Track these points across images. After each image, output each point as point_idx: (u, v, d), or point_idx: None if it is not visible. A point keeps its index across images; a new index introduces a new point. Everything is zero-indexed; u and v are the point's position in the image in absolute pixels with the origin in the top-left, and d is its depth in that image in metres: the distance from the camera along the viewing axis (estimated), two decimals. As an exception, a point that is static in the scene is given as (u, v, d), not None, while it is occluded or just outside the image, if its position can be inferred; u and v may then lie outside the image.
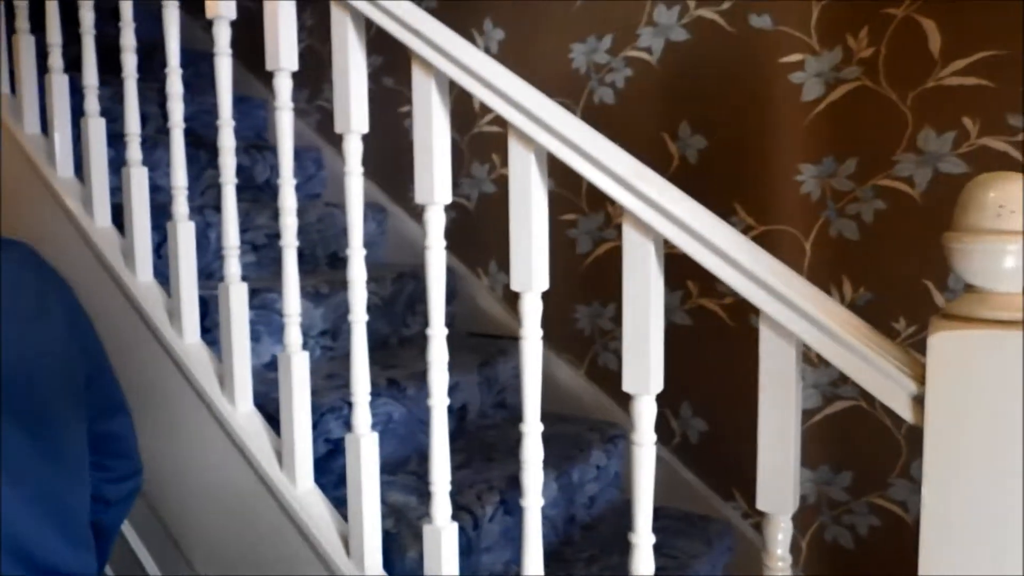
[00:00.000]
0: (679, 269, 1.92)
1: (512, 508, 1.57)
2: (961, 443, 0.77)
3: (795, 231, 1.81)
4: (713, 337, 1.91)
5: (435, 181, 1.10)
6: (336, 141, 2.48)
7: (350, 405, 1.43)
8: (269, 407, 1.45)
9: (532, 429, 1.07)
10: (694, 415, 1.94)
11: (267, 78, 2.62)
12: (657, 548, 1.72)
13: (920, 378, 0.80)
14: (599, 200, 2.02)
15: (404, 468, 1.64)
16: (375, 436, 1.25)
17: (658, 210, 0.92)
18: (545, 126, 0.98)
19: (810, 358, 1.81)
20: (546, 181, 1.04)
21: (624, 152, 0.96)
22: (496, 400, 1.94)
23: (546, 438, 1.85)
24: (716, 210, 1.95)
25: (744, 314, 1.88)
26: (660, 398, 1.96)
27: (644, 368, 0.96)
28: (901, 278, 1.72)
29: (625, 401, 1.99)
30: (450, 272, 2.19)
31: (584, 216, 2.04)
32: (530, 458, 1.08)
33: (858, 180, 1.73)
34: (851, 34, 1.72)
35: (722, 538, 1.82)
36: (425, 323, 2.14)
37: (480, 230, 2.20)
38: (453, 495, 1.54)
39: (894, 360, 0.81)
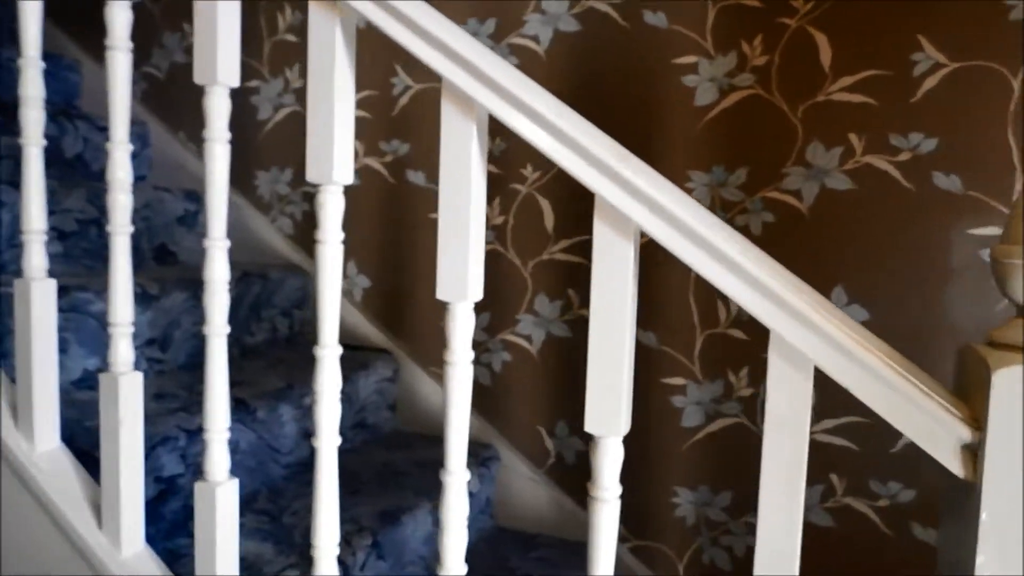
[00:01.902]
0: (559, 277, 1.72)
1: (387, 552, 1.29)
2: (1030, 502, 0.60)
3: (682, 241, 1.66)
4: (593, 350, 1.72)
5: (335, 154, 0.81)
6: (167, 115, 2.06)
7: (189, 434, 1.09)
8: (81, 440, 1.08)
9: (456, 479, 0.80)
10: (571, 434, 1.74)
11: (81, 37, 2.14)
12: (539, 583, 1.51)
13: (973, 422, 0.62)
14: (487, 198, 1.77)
15: (252, 506, 1.31)
16: (234, 484, 0.92)
17: (650, 205, 0.69)
18: (497, 87, 0.72)
19: (694, 374, 1.67)
20: (486, 159, 0.78)
21: (595, 127, 0.73)
22: (356, 420, 1.64)
23: (416, 464, 1.58)
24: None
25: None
26: (537, 416, 1.75)
27: (614, 402, 0.73)
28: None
29: (499, 420, 1.76)
30: (301, 274, 1.85)
31: (457, 216, 1.78)
32: (450, 520, 0.81)
33: (748, 191, 1.61)
34: (746, 40, 1.60)
35: (601, 565, 1.63)
36: (273, 330, 1.82)
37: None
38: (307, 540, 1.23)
39: (942, 400, 0.64)
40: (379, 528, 1.29)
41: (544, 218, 1.72)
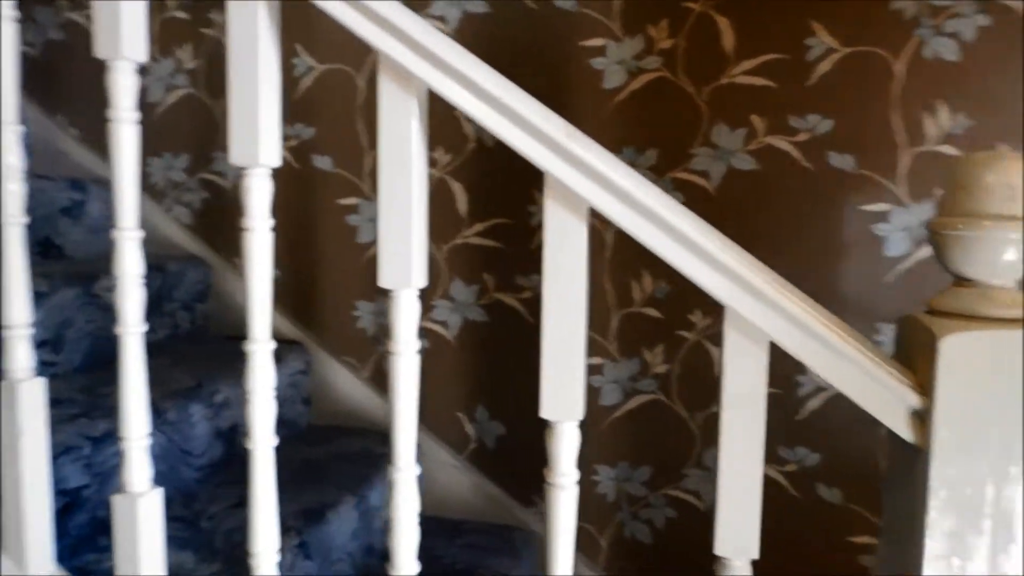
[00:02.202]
0: (474, 261, 1.69)
1: (313, 551, 1.23)
2: (976, 460, 0.62)
3: (594, 222, 1.67)
4: (511, 334, 1.71)
5: (261, 135, 0.74)
6: (43, 97, 1.88)
7: (94, 442, 1.00)
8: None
9: (405, 475, 0.76)
10: (491, 418, 1.72)
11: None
12: (469, 571, 1.49)
13: (920, 389, 0.64)
14: (384, 184, 1.71)
15: (167, 513, 1.22)
16: (158, 495, 0.84)
17: (603, 183, 0.67)
18: (440, 61, 0.68)
19: (611, 353, 1.68)
20: (427, 137, 0.74)
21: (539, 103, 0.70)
22: (269, 416, 1.56)
23: (336, 457, 1.52)
24: (515, 203, 1.75)
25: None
26: (456, 402, 1.72)
27: (570, 386, 0.71)
28: (696, 271, 1.65)
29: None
30: (201, 264, 1.74)
31: (367, 201, 1.72)
32: (400, 519, 0.77)
33: (658, 172, 1.62)
34: (652, 24, 1.61)
35: (527, 547, 1.63)
36: (175, 326, 1.69)
37: (239, 214, 1.78)
38: (238, 543, 1.16)
39: (891, 369, 0.65)
40: (304, 527, 1.23)
41: (457, 202, 1.68)
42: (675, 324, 1.65)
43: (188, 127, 1.80)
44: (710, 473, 1.67)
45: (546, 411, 0.71)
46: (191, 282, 1.69)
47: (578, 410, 0.71)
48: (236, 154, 0.75)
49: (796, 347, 0.66)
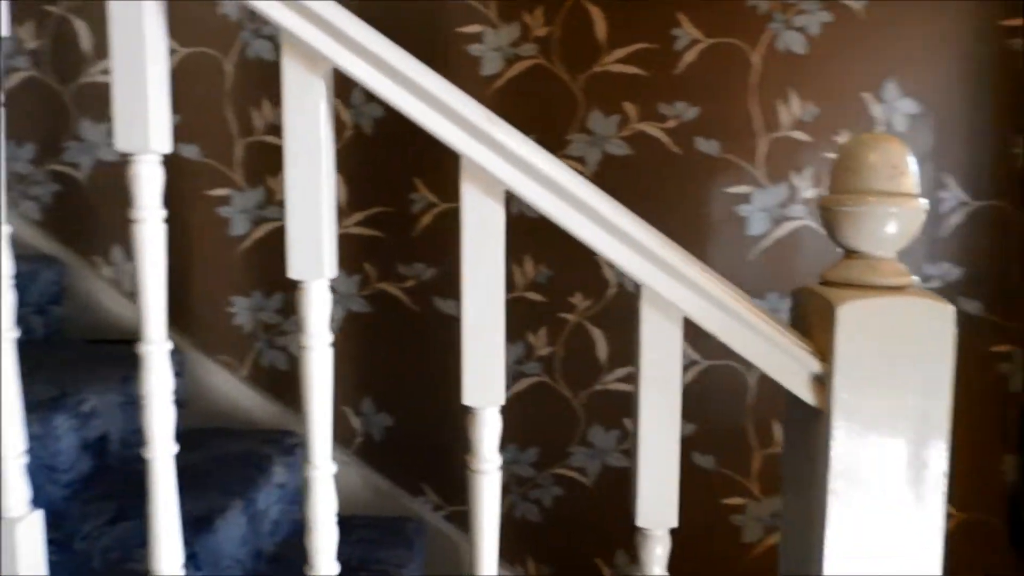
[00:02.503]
0: (354, 251, 1.64)
1: (203, 561, 1.16)
2: (872, 419, 0.67)
3: (477, 209, 1.66)
4: (395, 324, 1.67)
5: (151, 120, 0.68)
6: None
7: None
8: None
9: (322, 473, 0.73)
10: (378, 411, 1.68)
11: None
12: (363, 566, 1.45)
13: (820, 355, 0.68)
14: (257, 173, 1.62)
15: (32, 537, 1.10)
16: (38, 518, 0.76)
17: (523, 168, 0.66)
18: (353, 43, 0.65)
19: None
20: (332, 119, 0.71)
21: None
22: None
23: (217, 461, 1.44)
24: (396, 191, 1.71)
25: (427, 298, 1.68)
26: (340, 395, 1.66)
27: (492, 371, 0.70)
28: (578, 256, 1.68)
29: (299, 404, 1.65)
30: (55, 263, 1.58)
31: (239, 192, 1.63)
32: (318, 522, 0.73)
33: (537, 159, 1.64)
34: (527, 12, 1.61)
35: (420, 536, 1.61)
36: (28, 331, 1.51)
37: (97, 208, 1.63)
38: (116, 561, 1.08)
39: (794, 338, 0.69)
40: (192, 537, 1.15)
41: (338, 191, 1.63)
42: (557, 307, 1.67)
43: (33, 114, 1.63)
44: (594, 450, 1.71)
45: (468, 398, 0.70)
46: (45, 283, 1.53)
47: (500, 395, 0.70)
48: (123, 141, 0.68)
49: (709, 321, 0.68)
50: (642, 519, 0.72)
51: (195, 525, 1.18)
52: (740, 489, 1.72)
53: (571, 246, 1.64)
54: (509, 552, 1.71)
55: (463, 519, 1.73)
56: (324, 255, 0.69)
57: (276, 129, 1.60)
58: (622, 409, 1.70)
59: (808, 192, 1.65)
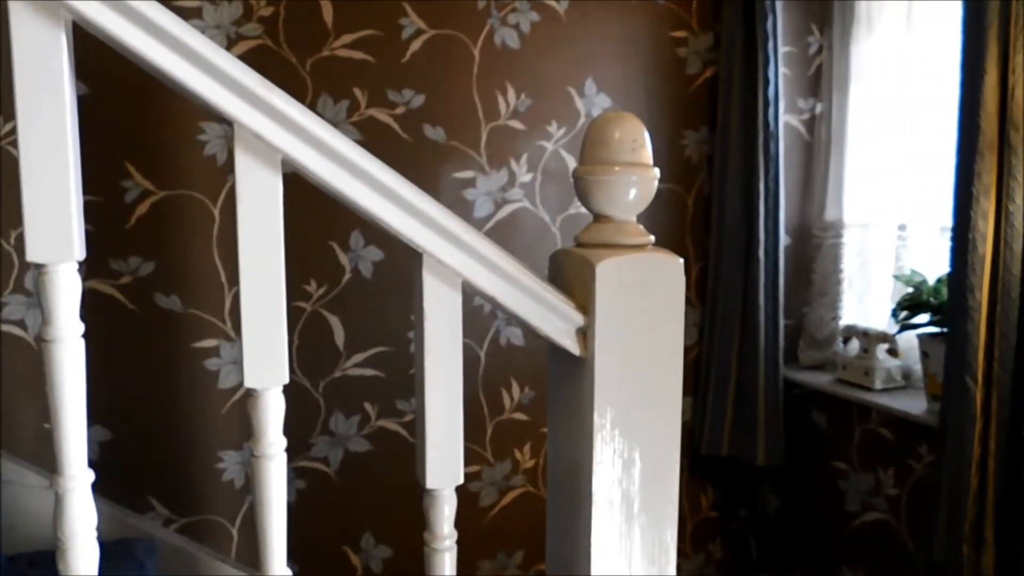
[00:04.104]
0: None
1: None
2: (628, 363, 0.75)
3: (202, 196, 1.54)
4: (111, 325, 1.49)
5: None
6: None
7: None
8: None
9: (81, 484, 0.63)
10: (91, 424, 1.48)
11: None
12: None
13: (582, 310, 0.75)
14: None
15: None
16: None
17: (301, 135, 0.63)
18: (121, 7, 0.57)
19: (226, 333, 1.58)
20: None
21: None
22: None
23: None
24: (105, 178, 1.50)
25: (147, 295, 1.52)
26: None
27: (275, 349, 0.66)
28: (313, 243, 1.63)
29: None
30: None
31: None
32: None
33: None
34: (249, -12, 1.53)
35: (150, 556, 1.46)
36: None
37: None
38: None
39: (560, 296, 0.75)
40: None
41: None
42: (291, 296, 1.61)
43: None
44: (336, 438, 1.68)
45: (251, 379, 0.66)
46: None
47: (284, 375, 0.67)
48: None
49: (486, 283, 0.71)
50: (431, 480, 0.73)
51: None
52: (476, 457, 1.81)
53: (308, 236, 1.60)
54: (252, 556, 1.62)
55: (201, 529, 1.60)
56: (73, 232, 0.60)
57: None
58: (362, 394, 1.69)
59: (525, 177, 1.78)
